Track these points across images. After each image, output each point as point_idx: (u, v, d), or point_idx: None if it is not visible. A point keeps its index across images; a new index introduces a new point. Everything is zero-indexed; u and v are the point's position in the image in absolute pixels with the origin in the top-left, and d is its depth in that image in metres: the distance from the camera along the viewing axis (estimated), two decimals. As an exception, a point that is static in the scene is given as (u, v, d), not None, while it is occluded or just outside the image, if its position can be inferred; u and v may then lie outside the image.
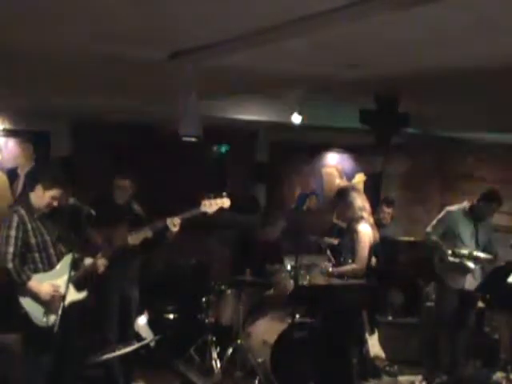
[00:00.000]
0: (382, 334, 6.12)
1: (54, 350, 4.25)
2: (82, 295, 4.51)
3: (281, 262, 6.33)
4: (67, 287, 4.18)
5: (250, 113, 6.44)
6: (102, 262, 4.65)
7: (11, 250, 4.31)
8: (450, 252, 5.74)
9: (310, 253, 6.84)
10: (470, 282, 5.83)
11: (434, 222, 6.00)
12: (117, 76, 4.68)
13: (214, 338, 6.00)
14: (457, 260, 5.73)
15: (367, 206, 5.43)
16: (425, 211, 8.19)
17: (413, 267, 6.99)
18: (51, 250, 4.48)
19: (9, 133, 6.88)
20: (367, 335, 5.91)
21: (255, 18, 2.86)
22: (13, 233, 4.34)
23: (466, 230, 5.83)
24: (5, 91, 5.33)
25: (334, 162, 8.83)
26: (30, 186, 4.57)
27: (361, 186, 8.30)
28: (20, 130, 6.94)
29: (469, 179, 7.66)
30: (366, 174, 8.74)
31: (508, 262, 5.95)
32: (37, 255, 4.42)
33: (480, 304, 6.22)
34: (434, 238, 5.89)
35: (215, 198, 5.02)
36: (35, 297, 4.34)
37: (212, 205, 5.01)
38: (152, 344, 5.71)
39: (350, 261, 5.33)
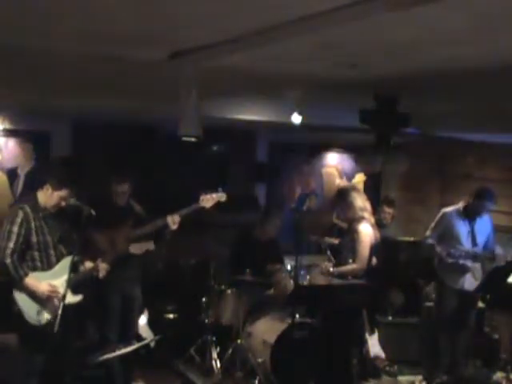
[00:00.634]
0: (381, 334, 6.13)
1: (50, 350, 4.25)
2: (78, 298, 4.51)
3: (281, 262, 6.34)
4: (67, 288, 4.18)
5: (250, 113, 6.43)
6: (103, 267, 4.65)
7: (11, 245, 4.32)
8: (444, 253, 5.76)
9: (310, 253, 6.86)
10: (470, 282, 5.83)
11: (432, 224, 6.04)
12: (117, 76, 4.68)
13: (214, 338, 6.00)
14: (453, 260, 5.74)
15: (368, 206, 5.43)
16: (425, 211, 8.18)
17: (413, 267, 6.99)
18: (51, 251, 4.48)
19: (9, 133, 6.88)
20: (367, 335, 5.92)
21: (255, 18, 2.86)
22: (15, 229, 4.35)
23: (462, 230, 5.84)
24: (5, 91, 5.33)
25: (334, 161, 8.83)
26: (38, 184, 4.56)
27: (361, 186, 8.30)
28: (20, 130, 6.94)
29: (469, 179, 7.65)
30: (365, 174, 8.74)
31: (508, 262, 5.95)
32: (36, 254, 4.43)
33: (480, 304, 6.22)
34: (430, 241, 5.91)
35: (212, 192, 5.16)
36: (31, 294, 4.34)
37: (209, 199, 5.15)
38: (152, 344, 5.71)
39: (350, 261, 5.33)
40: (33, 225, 4.40)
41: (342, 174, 8.79)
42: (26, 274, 4.34)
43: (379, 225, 6.04)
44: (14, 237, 4.33)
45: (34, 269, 4.41)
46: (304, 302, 5.63)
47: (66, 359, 4.58)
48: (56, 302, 4.31)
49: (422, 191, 8.60)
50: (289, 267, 6.14)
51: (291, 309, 5.40)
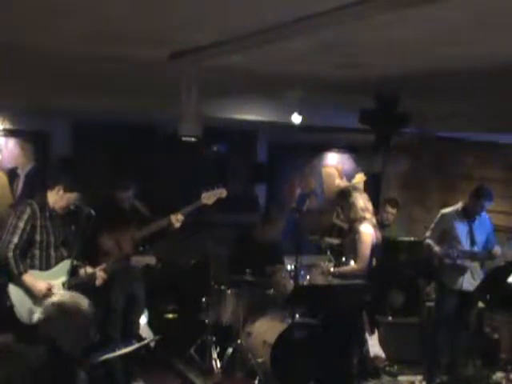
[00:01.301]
0: (381, 334, 6.13)
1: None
2: None
3: (281, 262, 6.34)
4: (67, 289, 4.20)
5: (250, 113, 6.43)
6: (100, 275, 4.67)
7: (15, 240, 4.34)
8: (441, 254, 5.77)
9: (310, 253, 6.85)
10: (470, 282, 5.83)
11: (432, 225, 6.05)
12: (117, 76, 4.68)
13: (214, 338, 6.00)
14: (451, 261, 5.75)
15: (370, 206, 5.42)
16: (425, 211, 8.18)
17: (413, 267, 6.99)
18: (52, 251, 4.49)
19: (9, 133, 6.87)
20: (367, 335, 5.92)
21: (255, 18, 2.86)
22: (21, 224, 4.37)
23: (460, 230, 5.84)
24: (5, 91, 5.33)
25: (334, 161, 8.82)
26: (49, 184, 4.57)
27: (361, 186, 8.29)
28: (20, 130, 6.94)
29: (469, 179, 7.64)
30: (365, 174, 8.73)
31: (508, 262, 5.95)
32: (37, 252, 4.44)
33: (480, 304, 6.22)
34: (428, 242, 5.93)
35: (212, 189, 5.25)
36: (28, 291, 4.35)
37: (211, 196, 5.23)
38: (152, 344, 5.71)
39: (351, 261, 5.33)
40: (38, 223, 4.42)
41: (342, 174, 8.78)
42: (26, 271, 4.35)
43: (381, 225, 6.04)
44: (18, 231, 4.36)
45: (33, 267, 4.42)
46: (304, 302, 5.62)
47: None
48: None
49: (421, 191, 8.59)
50: (289, 267, 6.14)
51: (291, 309, 5.40)
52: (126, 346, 4.63)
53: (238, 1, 2.63)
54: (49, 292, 4.34)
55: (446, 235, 5.88)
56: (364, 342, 5.88)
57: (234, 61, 3.84)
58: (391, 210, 7.19)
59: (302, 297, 5.47)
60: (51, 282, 4.40)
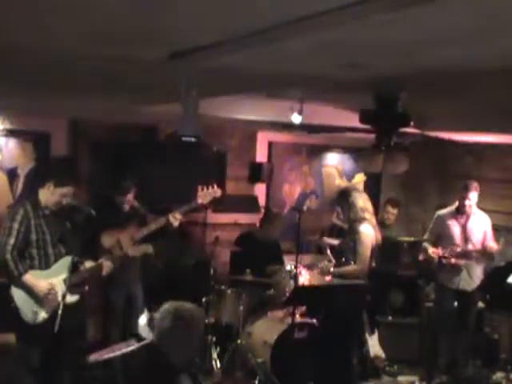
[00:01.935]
0: (381, 334, 6.13)
1: (46, 349, 4.25)
2: (74, 299, 4.52)
3: (281, 262, 6.34)
4: (67, 287, 4.19)
5: (250, 113, 6.43)
6: (107, 265, 4.68)
7: (12, 241, 4.34)
8: (435, 255, 5.79)
9: (310, 253, 6.86)
10: (467, 281, 5.84)
11: (429, 227, 6.10)
12: (117, 76, 4.67)
13: (214, 338, 6.00)
14: (446, 261, 5.77)
15: (370, 206, 5.43)
16: (424, 211, 8.19)
17: (413, 267, 7.00)
18: (50, 249, 4.49)
19: (9, 133, 6.87)
20: (367, 335, 5.92)
21: (255, 17, 2.85)
22: (15, 225, 4.37)
23: (455, 230, 5.87)
24: (5, 91, 5.32)
25: (334, 161, 8.82)
26: (40, 181, 4.58)
27: (361, 186, 8.30)
28: (20, 130, 6.93)
29: (468, 179, 7.65)
30: (365, 174, 8.73)
31: (508, 262, 5.96)
32: (35, 252, 4.44)
33: (480, 304, 6.22)
34: (424, 245, 6.00)
35: (208, 189, 5.33)
36: (29, 291, 4.35)
37: (206, 195, 5.31)
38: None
39: (351, 262, 5.33)
40: (32, 222, 4.42)
41: (341, 174, 8.78)
42: (26, 271, 4.35)
43: (382, 225, 6.05)
44: (14, 233, 4.36)
45: (32, 267, 4.42)
46: (304, 302, 5.63)
47: (66, 359, 4.58)
48: (53, 300, 4.31)
49: (421, 191, 8.60)
50: (289, 267, 6.14)
51: (291, 309, 5.40)
52: (126, 345, 4.63)
53: (238, 1, 2.63)
54: (51, 291, 4.34)
55: (442, 236, 5.91)
56: (364, 342, 5.88)
57: (234, 61, 3.84)
58: (392, 210, 7.19)
59: (302, 297, 5.48)
60: (52, 280, 4.40)
